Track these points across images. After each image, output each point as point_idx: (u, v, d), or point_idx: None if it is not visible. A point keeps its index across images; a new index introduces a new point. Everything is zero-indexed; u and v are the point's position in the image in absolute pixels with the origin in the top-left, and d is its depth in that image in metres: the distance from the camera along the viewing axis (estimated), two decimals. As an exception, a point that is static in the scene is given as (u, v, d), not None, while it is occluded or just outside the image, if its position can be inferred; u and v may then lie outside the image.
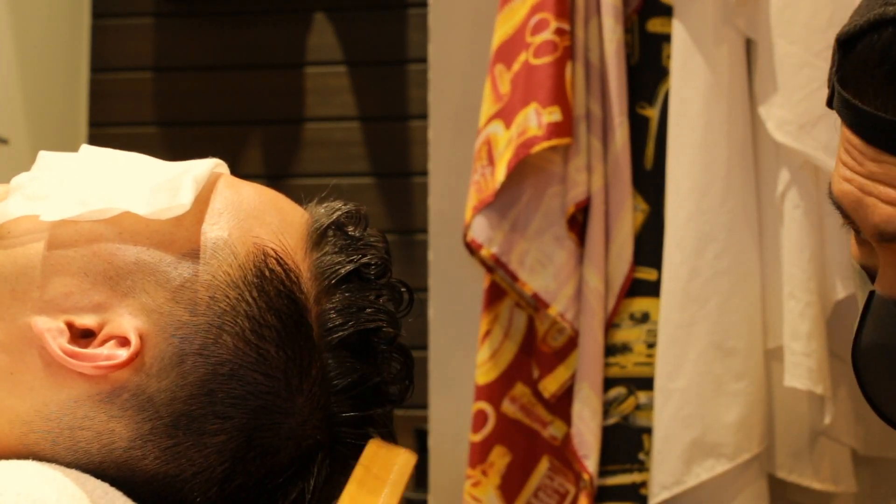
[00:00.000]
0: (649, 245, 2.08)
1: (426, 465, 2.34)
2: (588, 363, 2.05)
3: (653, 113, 2.10)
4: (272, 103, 2.87)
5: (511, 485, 2.11)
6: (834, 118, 0.90)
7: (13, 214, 0.83)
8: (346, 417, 0.83)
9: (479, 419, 2.11)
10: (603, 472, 2.05)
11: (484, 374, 2.12)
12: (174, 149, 2.86)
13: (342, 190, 2.77)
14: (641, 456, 2.05)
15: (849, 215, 0.88)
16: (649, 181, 2.09)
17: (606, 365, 2.07)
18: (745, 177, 2.01)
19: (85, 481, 0.77)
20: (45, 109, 2.78)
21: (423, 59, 2.58)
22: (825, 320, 1.96)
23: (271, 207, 0.86)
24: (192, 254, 0.82)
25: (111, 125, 2.92)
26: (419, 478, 2.46)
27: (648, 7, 2.11)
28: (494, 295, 2.13)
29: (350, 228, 0.86)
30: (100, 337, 0.79)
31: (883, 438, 2.06)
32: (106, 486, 0.78)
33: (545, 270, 2.07)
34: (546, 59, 2.05)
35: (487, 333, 2.13)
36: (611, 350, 2.07)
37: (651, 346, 2.05)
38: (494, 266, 2.08)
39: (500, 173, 2.06)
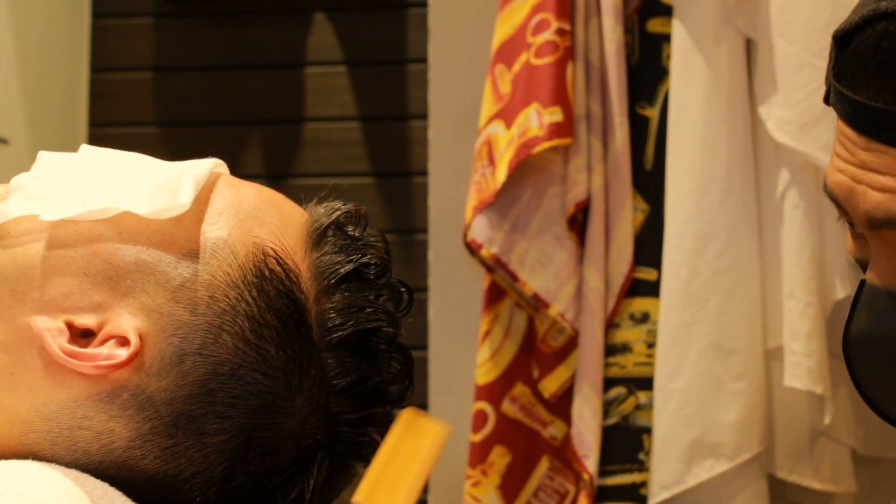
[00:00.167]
0: (649, 245, 2.08)
1: (426, 465, 2.34)
2: (588, 363, 2.05)
3: (653, 113, 2.10)
4: (272, 103, 2.87)
5: (511, 485, 2.11)
6: (833, 118, 0.92)
7: (13, 214, 0.83)
8: (346, 417, 0.83)
9: (479, 419, 2.11)
10: (603, 472, 2.05)
11: (484, 374, 2.12)
12: (174, 149, 2.86)
13: (342, 190, 2.77)
14: (641, 456, 2.05)
15: (842, 206, 0.90)
16: (649, 181, 2.09)
17: (606, 365, 2.07)
18: (745, 177, 2.01)
19: (85, 481, 0.77)
20: (45, 109, 2.78)
21: (423, 59, 2.58)
22: (825, 320, 1.96)
23: (271, 207, 0.86)
24: (192, 253, 0.82)
25: (111, 125, 2.92)
26: (419, 478, 2.46)
27: (648, 7, 2.11)
28: (494, 295, 2.13)
29: (350, 228, 0.86)
30: (99, 337, 0.79)
31: (883, 438, 2.06)
32: (106, 485, 0.78)
33: (545, 270, 2.07)
34: (547, 60, 2.05)
35: (487, 333, 2.13)
36: (611, 350, 2.07)
37: (651, 346, 2.05)
38: (494, 266, 2.08)
39: (501, 173, 2.06)
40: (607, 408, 2.07)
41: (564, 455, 2.10)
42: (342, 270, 0.84)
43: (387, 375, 0.85)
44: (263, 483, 0.82)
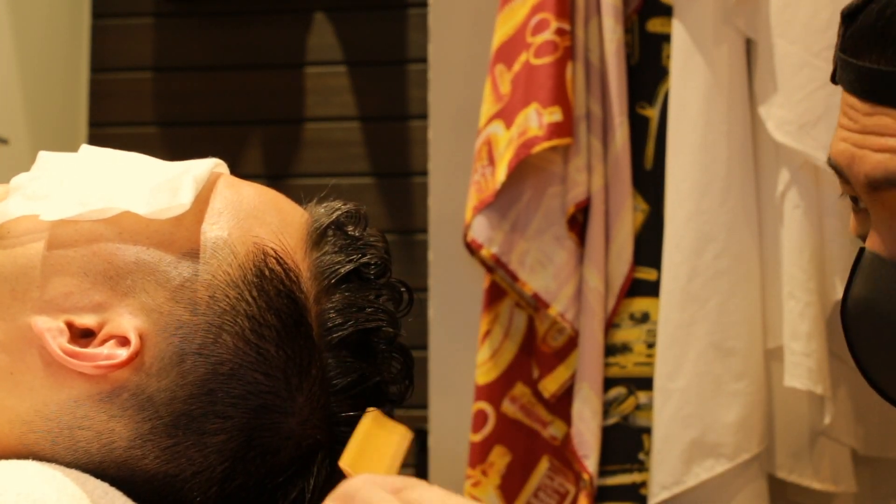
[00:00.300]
0: (649, 245, 2.08)
1: (426, 465, 2.34)
2: (588, 363, 2.05)
3: (653, 113, 2.10)
4: (272, 103, 2.87)
5: (511, 485, 2.11)
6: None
7: (13, 214, 0.83)
8: (346, 417, 0.83)
9: (479, 419, 2.11)
10: (603, 472, 2.05)
11: (484, 374, 2.12)
12: (174, 149, 2.86)
13: (342, 190, 2.77)
14: (641, 456, 2.05)
15: (844, 175, 0.92)
16: (649, 181, 2.09)
17: (606, 365, 2.07)
18: (745, 177, 2.01)
19: (85, 481, 0.77)
20: (45, 109, 2.78)
21: (423, 59, 2.58)
22: (825, 320, 1.96)
23: (271, 207, 0.86)
24: (192, 253, 0.82)
25: (111, 125, 2.92)
26: (419, 477, 2.45)
27: (648, 7, 2.11)
28: (494, 295, 2.13)
29: (350, 228, 0.86)
30: (100, 336, 0.79)
31: (883, 438, 2.06)
32: (106, 485, 0.78)
33: (545, 270, 2.07)
34: (547, 60, 2.05)
35: (487, 333, 2.13)
36: (611, 350, 2.07)
37: (651, 346, 2.05)
38: (494, 266, 2.08)
39: (501, 173, 2.06)
40: (607, 408, 2.07)
41: (564, 455, 2.10)
42: (342, 270, 0.84)
43: (387, 375, 0.85)
44: (264, 483, 0.82)
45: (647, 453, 2.04)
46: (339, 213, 0.87)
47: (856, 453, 2.04)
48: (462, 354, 2.26)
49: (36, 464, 0.77)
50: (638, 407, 2.06)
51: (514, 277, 2.07)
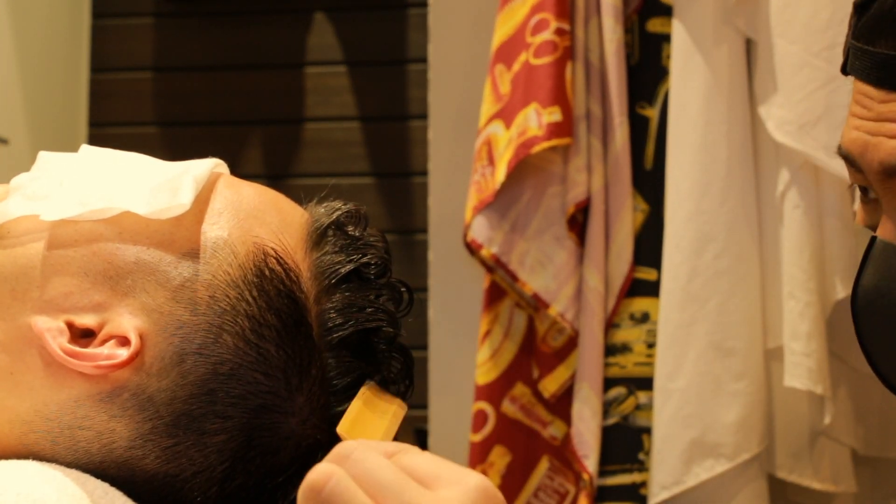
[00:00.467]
0: (649, 245, 2.08)
1: (426, 465, 2.34)
2: (588, 363, 2.05)
3: (653, 113, 2.10)
4: (272, 103, 2.87)
5: (511, 485, 2.11)
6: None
7: (13, 214, 0.83)
8: (346, 417, 0.83)
9: (479, 419, 2.11)
10: (603, 472, 2.05)
11: (484, 374, 2.12)
12: (174, 149, 2.86)
13: (342, 190, 2.77)
14: (641, 456, 2.05)
15: (856, 164, 0.92)
16: (649, 181, 2.09)
17: (606, 365, 2.07)
18: (745, 177, 2.01)
19: (85, 481, 0.77)
20: (45, 109, 2.78)
21: (423, 59, 2.58)
22: (825, 320, 1.96)
23: (271, 207, 0.86)
24: (192, 253, 0.82)
25: (111, 125, 2.92)
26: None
27: (648, 7, 2.11)
28: (494, 295, 2.13)
29: (350, 228, 0.86)
30: (100, 336, 0.79)
31: (883, 438, 2.06)
32: (106, 485, 0.78)
33: (545, 270, 2.07)
34: (546, 59, 2.05)
35: (487, 333, 2.13)
36: (611, 350, 2.07)
37: (651, 346, 2.05)
38: (494, 266, 2.09)
39: (501, 173, 2.06)
40: (607, 408, 2.07)
41: (564, 455, 2.10)
42: (342, 270, 0.84)
43: (387, 375, 0.85)
44: (264, 483, 0.82)
45: (647, 453, 2.04)
46: (339, 213, 0.87)
47: (856, 453, 2.04)
48: (462, 354, 2.26)
49: (36, 464, 0.77)
50: (638, 407, 2.06)
51: (514, 277, 2.07)
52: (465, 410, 2.16)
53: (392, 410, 0.81)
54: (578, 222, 2.09)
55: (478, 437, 2.11)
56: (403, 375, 0.86)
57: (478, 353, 2.13)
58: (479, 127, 2.13)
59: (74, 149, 0.89)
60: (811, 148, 1.90)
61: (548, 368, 2.10)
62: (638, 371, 2.06)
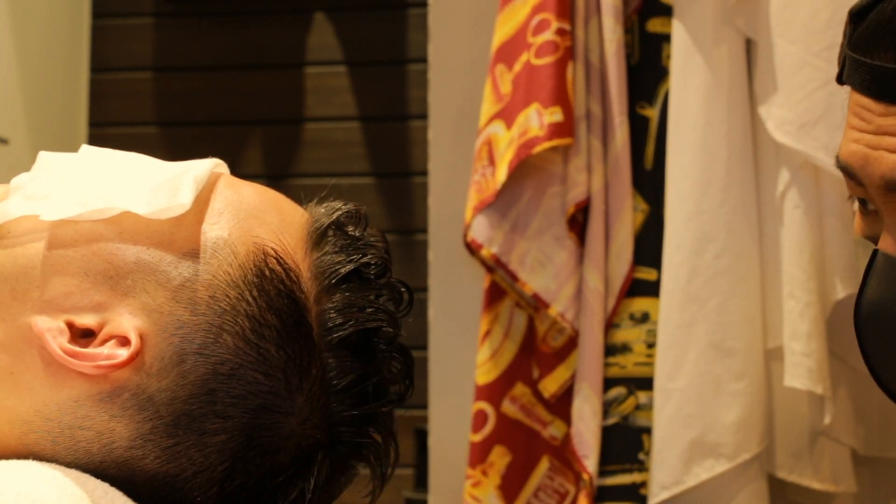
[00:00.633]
0: (649, 245, 2.08)
1: (426, 465, 2.34)
2: (588, 363, 2.05)
3: (653, 113, 2.10)
4: (272, 103, 2.87)
5: (511, 485, 2.11)
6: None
7: (13, 214, 0.83)
8: (346, 417, 0.83)
9: (479, 419, 2.11)
10: (603, 472, 2.05)
11: (484, 374, 2.12)
12: (174, 149, 2.86)
13: (342, 190, 2.77)
14: (641, 456, 2.05)
15: (856, 177, 0.91)
16: (649, 181, 2.09)
17: (606, 365, 2.07)
18: (745, 177, 2.01)
19: (85, 481, 0.77)
20: (45, 109, 2.78)
21: (423, 59, 2.58)
22: (825, 320, 1.96)
23: (271, 207, 0.86)
24: (192, 253, 0.82)
25: (111, 125, 2.92)
26: (419, 478, 2.46)
27: (648, 7, 2.11)
28: (494, 295, 2.13)
29: (350, 228, 0.86)
30: (100, 336, 0.79)
31: (883, 438, 2.06)
32: (106, 485, 0.78)
33: (545, 270, 2.07)
34: (547, 60, 2.05)
35: (487, 333, 2.13)
36: (611, 350, 2.07)
37: (651, 346, 2.05)
38: (494, 266, 2.09)
39: (502, 173, 2.06)
40: (607, 408, 2.07)
41: (564, 455, 2.10)
42: (343, 270, 0.84)
43: (387, 375, 0.85)
44: (264, 483, 0.82)
45: (647, 453, 2.04)
46: (339, 213, 0.87)
47: (856, 453, 2.04)
48: (462, 354, 2.26)
49: (36, 464, 0.77)
50: (638, 407, 2.06)
51: (514, 277, 2.07)
52: (465, 410, 2.16)
53: None
54: (578, 222, 2.09)
55: (478, 437, 2.11)
56: (403, 375, 0.86)
57: (478, 353, 2.13)
58: (480, 127, 2.13)
59: (74, 149, 0.89)
60: (811, 148, 1.90)
61: (548, 368, 2.10)
62: (638, 371, 2.06)
